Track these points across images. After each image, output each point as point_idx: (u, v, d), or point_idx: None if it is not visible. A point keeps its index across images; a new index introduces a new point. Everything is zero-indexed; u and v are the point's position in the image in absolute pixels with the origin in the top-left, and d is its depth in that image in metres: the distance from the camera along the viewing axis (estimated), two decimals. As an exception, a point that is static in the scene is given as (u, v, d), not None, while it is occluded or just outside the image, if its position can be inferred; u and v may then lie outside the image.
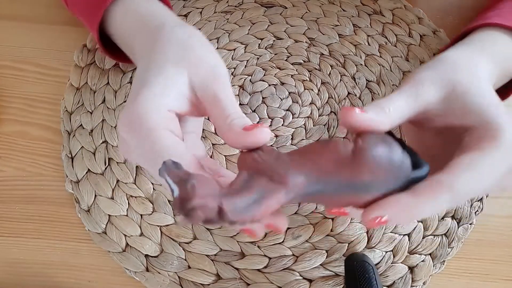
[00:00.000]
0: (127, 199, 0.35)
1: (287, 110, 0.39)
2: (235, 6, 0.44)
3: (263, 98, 0.40)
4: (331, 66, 0.41)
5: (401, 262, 0.34)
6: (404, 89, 0.26)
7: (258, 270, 0.33)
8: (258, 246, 0.34)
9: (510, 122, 0.26)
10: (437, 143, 0.28)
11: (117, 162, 0.36)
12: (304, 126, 0.39)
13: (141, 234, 0.34)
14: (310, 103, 0.40)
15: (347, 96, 0.40)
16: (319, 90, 0.40)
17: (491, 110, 0.25)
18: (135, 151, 0.25)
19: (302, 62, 0.41)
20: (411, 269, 0.34)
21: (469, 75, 0.26)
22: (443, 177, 0.24)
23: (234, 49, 0.42)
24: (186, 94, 0.26)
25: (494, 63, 0.29)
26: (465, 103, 0.25)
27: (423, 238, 0.35)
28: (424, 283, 0.34)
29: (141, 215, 0.35)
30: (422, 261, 0.34)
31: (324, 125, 0.39)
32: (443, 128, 0.27)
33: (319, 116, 0.39)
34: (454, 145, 0.26)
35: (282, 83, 0.40)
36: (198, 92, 0.26)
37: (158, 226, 0.34)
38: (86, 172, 0.36)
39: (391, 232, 0.35)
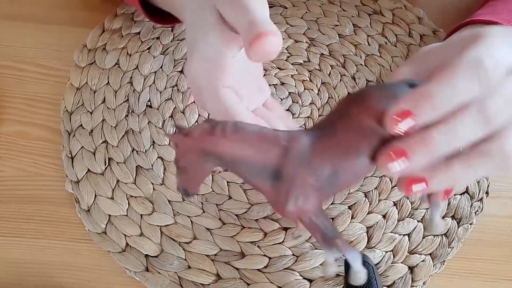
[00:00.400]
0: (127, 199, 0.35)
1: (287, 110, 0.39)
2: (235, 6, 0.44)
3: (263, 98, 0.40)
4: (331, 66, 0.41)
5: (401, 262, 0.34)
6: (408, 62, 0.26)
7: (258, 270, 0.33)
8: (258, 246, 0.34)
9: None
10: None
11: (117, 162, 0.36)
12: (304, 126, 0.39)
13: (141, 234, 0.34)
14: (310, 103, 0.40)
15: (347, 96, 0.40)
16: (319, 90, 0.40)
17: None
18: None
19: (302, 62, 0.41)
20: (411, 269, 0.34)
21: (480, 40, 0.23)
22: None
23: (234, 49, 0.42)
24: (222, 25, 0.28)
25: None
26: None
27: (423, 238, 0.35)
28: (424, 283, 0.34)
29: (141, 215, 0.35)
30: (422, 261, 0.34)
31: (324, 125, 0.39)
32: None
33: (319, 116, 0.39)
34: None
35: (282, 83, 0.40)
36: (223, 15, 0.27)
37: (158, 226, 0.34)
38: (86, 172, 0.36)
39: (391, 232, 0.35)
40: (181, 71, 0.41)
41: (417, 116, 0.20)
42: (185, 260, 0.34)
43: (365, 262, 0.32)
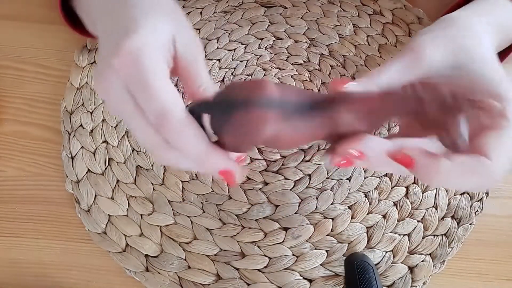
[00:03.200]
0: (127, 199, 0.35)
1: (287, 110, 0.39)
2: (235, 6, 0.44)
3: (263, 98, 0.40)
4: (331, 66, 0.41)
5: (401, 262, 0.34)
6: (399, 59, 0.24)
7: (258, 270, 0.33)
8: (258, 246, 0.34)
9: None
10: None
11: (117, 162, 0.36)
12: (304, 126, 0.39)
13: (141, 234, 0.34)
14: (310, 103, 0.40)
15: (347, 96, 0.40)
16: (319, 90, 0.40)
17: (499, 83, 0.24)
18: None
19: (302, 62, 0.41)
20: (411, 269, 0.34)
21: (476, 41, 0.25)
22: (482, 159, 0.23)
23: (234, 49, 0.42)
24: (168, 47, 0.25)
25: (495, 32, 0.28)
26: (473, 72, 0.24)
27: (423, 238, 0.35)
28: (424, 283, 0.34)
29: (141, 215, 0.35)
30: (422, 261, 0.34)
31: (324, 125, 0.39)
32: None
33: (319, 116, 0.39)
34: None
35: (282, 83, 0.40)
36: (179, 51, 0.25)
37: (158, 226, 0.34)
38: (86, 172, 0.36)
39: (391, 232, 0.35)
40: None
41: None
42: (185, 260, 0.34)
43: (365, 262, 0.32)
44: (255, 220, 0.35)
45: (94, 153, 0.37)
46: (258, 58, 0.41)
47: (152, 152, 0.24)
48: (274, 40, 0.42)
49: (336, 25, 0.43)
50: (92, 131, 0.37)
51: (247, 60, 0.41)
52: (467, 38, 0.25)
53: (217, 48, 0.42)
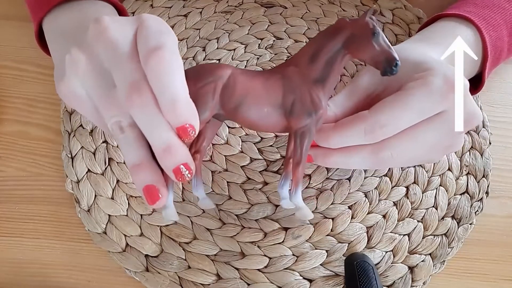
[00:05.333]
0: (127, 199, 0.35)
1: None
2: (235, 6, 0.44)
3: (263, 98, 0.40)
4: (331, 66, 0.41)
5: (401, 262, 0.34)
6: (345, 88, 0.31)
7: (258, 270, 0.33)
8: (258, 246, 0.34)
9: (443, 67, 0.28)
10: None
11: (117, 162, 0.36)
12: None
13: (141, 234, 0.34)
14: (310, 103, 0.40)
15: (347, 96, 0.40)
16: (319, 90, 0.40)
17: (425, 58, 0.29)
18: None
19: (302, 62, 0.41)
20: (411, 269, 0.34)
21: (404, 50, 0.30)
22: (363, 112, 0.27)
23: (234, 49, 0.42)
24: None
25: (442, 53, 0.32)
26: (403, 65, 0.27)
27: (423, 238, 0.35)
28: (424, 283, 0.34)
29: (141, 215, 0.35)
30: (422, 261, 0.34)
31: (324, 125, 0.39)
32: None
33: (319, 116, 0.39)
34: None
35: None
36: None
37: (158, 226, 0.34)
38: (86, 172, 0.36)
39: (391, 232, 0.35)
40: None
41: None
42: (185, 260, 0.34)
43: (365, 262, 0.32)
44: (255, 220, 0.35)
45: (94, 153, 0.37)
46: (258, 58, 0.41)
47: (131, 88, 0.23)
48: (274, 40, 0.42)
49: (336, 25, 0.43)
50: (92, 131, 0.37)
51: (247, 60, 0.41)
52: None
53: (217, 48, 0.42)
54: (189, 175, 0.24)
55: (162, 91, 0.22)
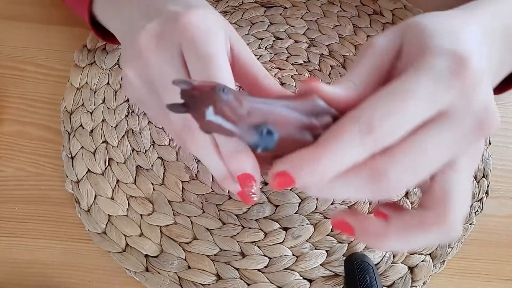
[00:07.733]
0: (127, 199, 0.35)
1: (287, 110, 0.39)
2: (235, 6, 0.44)
3: (263, 98, 0.40)
4: (331, 66, 0.41)
5: (401, 262, 0.34)
6: (360, 59, 0.23)
7: (258, 270, 0.33)
8: (258, 246, 0.34)
9: (451, 40, 0.20)
10: None
11: (117, 162, 0.36)
12: (304, 126, 0.39)
13: (141, 234, 0.34)
14: (310, 103, 0.40)
15: (347, 96, 0.40)
16: (319, 90, 0.40)
17: (434, 28, 0.21)
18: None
19: (302, 62, 0.41)
20: (411, 269, 0.34)
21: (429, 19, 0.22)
22: (351, 113, 0.19)
23: (234, 49, 0.42)
24: (226, 41, 0.26)
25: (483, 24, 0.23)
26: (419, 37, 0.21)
27: (423, 238, 0.35)
28: (424, 283, 0.34)
29: (141, 215, 0.35)
30: (422, 261, 0.34)
31: (324, 125, 0.39)
32: None
33: (319, 116, 0.39)
34: None
35: (282, 84, 0.40)
36: (235, 47, 0.27)
37: (158, 226, 0.34)
38: (86, 172, 0.36)
39: (391, 232, 0.35)
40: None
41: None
42: (185, 260, 0.34)
43: (365, 262, 0.32)
44: (255, 220, 0.35)
45: (94, 153, 0.37)
46: (258, 58, 0.41)
47: (181, 133, 0.23)
48: (274, 40, 0.42)
49: (336, 25, 0.43)
50: (92, 131, 0.37)
51: (247, 60, 0.41)
52: (413, 25, 0.22)
53: (217, 48, 0.42)
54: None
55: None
